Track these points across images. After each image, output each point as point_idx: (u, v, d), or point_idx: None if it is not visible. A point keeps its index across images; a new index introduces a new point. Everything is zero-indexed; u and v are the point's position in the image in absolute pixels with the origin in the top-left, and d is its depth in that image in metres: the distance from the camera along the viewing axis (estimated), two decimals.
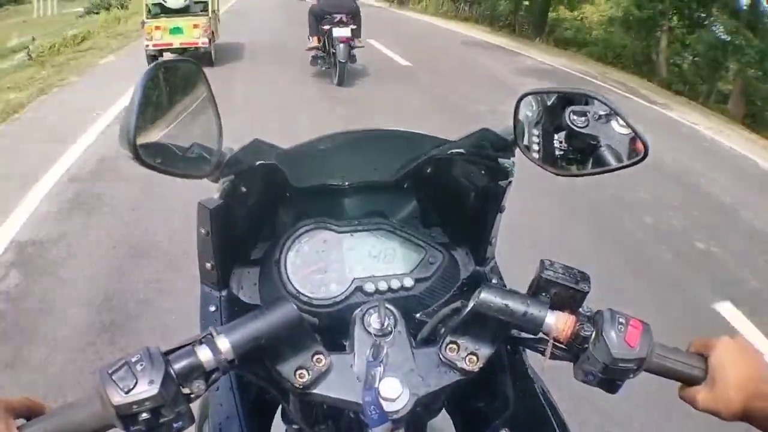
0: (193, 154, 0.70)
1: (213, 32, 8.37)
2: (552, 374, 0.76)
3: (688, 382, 0.65)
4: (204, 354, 0.58)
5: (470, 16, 17.73)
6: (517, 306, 0.64)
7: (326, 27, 6.78)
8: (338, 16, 6.72)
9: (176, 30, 7.84)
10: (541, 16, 15.77)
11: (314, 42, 7.15)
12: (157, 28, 7.84)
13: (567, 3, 16.55)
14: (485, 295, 0.64)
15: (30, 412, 0.57)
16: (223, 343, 0.59)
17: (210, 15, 8.29)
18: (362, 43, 7.15)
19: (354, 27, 6.76)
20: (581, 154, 0.77)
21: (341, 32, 6.60)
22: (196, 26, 7.91)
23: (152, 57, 7.79)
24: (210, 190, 0.76)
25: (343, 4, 6.83)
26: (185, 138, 0.70)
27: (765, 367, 0.62)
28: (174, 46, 7.85)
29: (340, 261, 0.82)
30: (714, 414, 0.62)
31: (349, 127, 4.47)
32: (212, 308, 0.80)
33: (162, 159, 0.66)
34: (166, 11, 8.04)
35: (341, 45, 6.56)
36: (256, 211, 0.83)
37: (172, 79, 0.72)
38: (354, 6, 6.96)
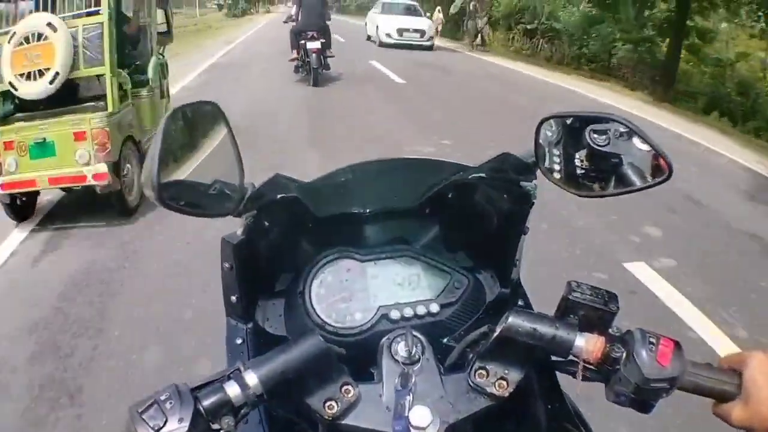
0: (216, 191, 0.71)
1: (137, 144, 4.27)
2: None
3: (722, 398, 0.63)
4: (232, 390, 0.58)
5: (551, 55, 15.08)
6: (545, 329, 0.63)
7: (302, 42, 8.72)
8: (310, 33, 8.62)
9: (41, 149, 3.67)
10: (672, 59, 10.94)
11: (294, 54, 9.24)
12: (7, 147, 3.69)
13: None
14: (513, 320, 0.64)
15: None
16: (252, 378, 0.59)
17: (117, 110, 3.90)
18: (332, 53, 9.21)
19: (323, 41, 8.72)
20: (604, 173, 0.76)
21: (312, 45, 8.59)
22: (80, 137, 3.68)
23: None
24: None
25: (315, 23, 8.76)
26: (207, 176, 0.71)
27: None
28: (38, 188, 3.81)
29: (365, 289, 0.82)
30: (749, 430, 0.61)
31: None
32: (239, 341, 0.80)
33: (185, 199, 0.66)
34: (23, 106, 3.97)
35: (314, 55, 8.63)
36: (279, 243, 0.83)
37: (193, 119, 0.73)
38: (324, 25, 8.90)
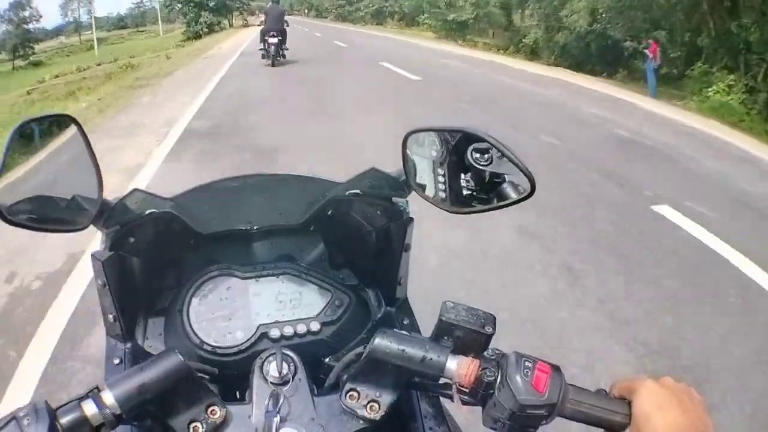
0: (73, 207, 0.68)
1: None
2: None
3: (611, 428, 0.60)
4: (89, 408, 0.56)
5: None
6: (415, 351, 0.62)
7: (266, 38, 12.93)
8: (272, 32, 12.85)
9: None
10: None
11: (262, 46, 13.24)
12: None
13: None
14: (380, 341, 0.63)
15: None
16: (108, 397, 0.57)
17: None
18: (287, 47, 13.43)
19: (280, 38, 12.90)
20: (481, 191, 0.76)
21: (272, 40, 12.82)
22: None
23: None
24: None
25: (275, 27, 12.88)
26: (62, 191, 0.68)
27: (701, 416, 0.57)
28: None
29: (246, 307, 0.81)
30: None
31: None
32: (116, 361, 0.77)
33: (36, 215, 0.64)
34: None
35: (272, 47, 12.83)
36: (156, 259, 0.81)
37: (44, 133, 0.70)
38: (282, 29, 13.02)
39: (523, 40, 17.24)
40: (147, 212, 0.73)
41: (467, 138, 0.75)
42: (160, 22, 31.60)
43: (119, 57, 22.33)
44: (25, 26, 47.09)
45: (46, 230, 0.64)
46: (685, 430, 0.55)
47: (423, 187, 0.76)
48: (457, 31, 21.98)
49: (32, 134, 0.67)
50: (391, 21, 37.39)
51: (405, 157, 0.76)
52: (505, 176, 0.74)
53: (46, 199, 0.67)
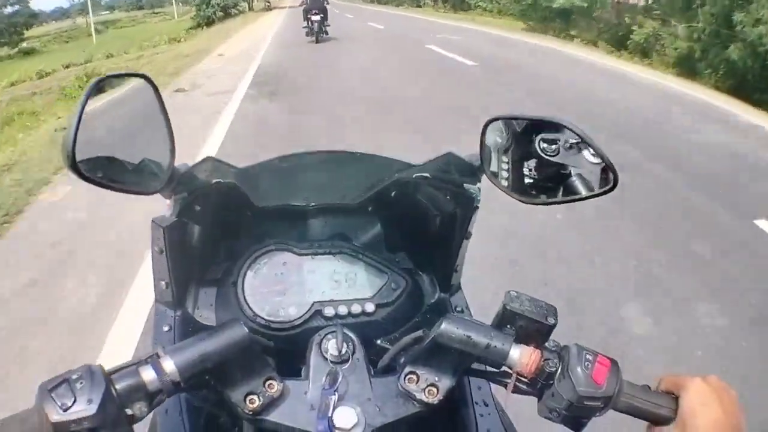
0: (143, 170, 0.68)
1: None
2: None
3: (657, 422, 0.62)
4: (147, 374, 0.56)
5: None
6: (480, 338, 0.62)
7: (310, 16, 14.01)
8: (314, 11, 13.84)
9: None
10: None
11: (306, 24, 14.37)
12: None
13: None
14: (447, 326, 0.62)
15: None
16: (169, 365, 0.57)
17: None
18: (329, 23, 14.34)
19: (322, 15, 13.85)
20: (551, 183, 0.75)
21: (315, 18, 13.84)
22: None
23: None
24: None
25: (317, 6, 13.82)
26: (135, 153, 0.68)
27: (737, 414, 0.58)
28: None
29: (300, 284, 0.81)
30: None
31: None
32: (166, 328, 0.77)
33: (107, 173, 0.63)
34: None
35: (315, 24, 13.85)
36: (214, 229, 0.81)
37: (122, 93, 0.70)
38: (323, 6, 13.95)
39: (671, 48, 10.69)
40: (214, 181, 0.73)
41: (541, 127, 0.74)
42: (174, 3, 29.95)
43: (116, 50, 19.90)
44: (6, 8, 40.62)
45: (114, 189, 0.63)
46: (725, 427, 0.57)
47: (496, 175, 0.75)
48: (549, 20, 15.83)
49: (108, 90, 0.66)
50: (431, 3, 31.00)
51: (482, 144, 0.75)
52: (571, 168, 0.73)
53: (119, 160, 0.66)
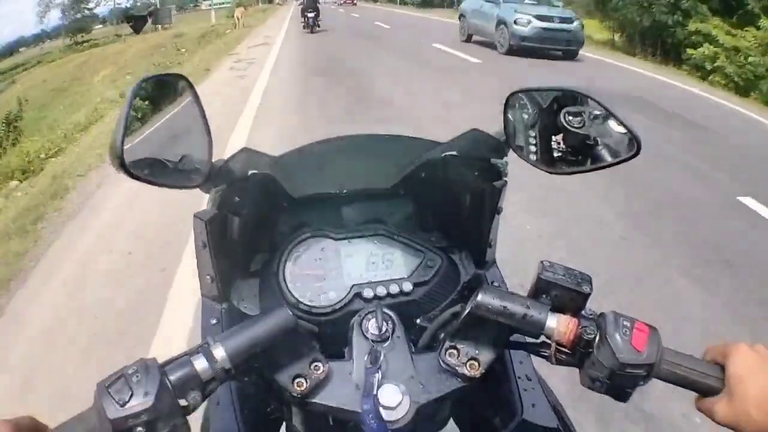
0: (184, 166, 0.70)
1: None
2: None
3: (705, 392, 0.60)
4: (200, 364, 0.57)
5: None
6: (516, 308, 0.62)
7: (306, 14, 17.05)
8: (309, 9, 16.91)
9: None
10: None
11: (303, 20, 17.31)
12: None
13: None
14: (483, 297, 0.62)
15: None
16: (219, 352, 0.58)
17: None
18: (321, 20, 17.34)
19: (315, 13, 16.95)
20: (577, 153, 0.76)
21: (310, 15, 16.86)
22: None
23: None
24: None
25: (312, 6, 16.96)
26: (175, 150, 0.70)
27: None
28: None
29: (338, 268, 0.82)
30: (734, 429, 0.57)
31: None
32: (213, 321, 0.80)
33: (151, 170, 0.66)
34: None
35: (310, 19, 16.87)
36: (253, 221, 0.83)
37: (161, 93, 0.73)
38: (316, 6, 17.10)
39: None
40: (250, 173, 0.74)
41: (564, 100, 0.75)
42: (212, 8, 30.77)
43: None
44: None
45: (159, 185, 0.66)
46: None
47: (522, 149, 0.76)
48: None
49: (149, 92, 0.69)
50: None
51: (506, 118, 0.76)
52: (597, 138, 0.74)
53: (161, 156, 0.69)
